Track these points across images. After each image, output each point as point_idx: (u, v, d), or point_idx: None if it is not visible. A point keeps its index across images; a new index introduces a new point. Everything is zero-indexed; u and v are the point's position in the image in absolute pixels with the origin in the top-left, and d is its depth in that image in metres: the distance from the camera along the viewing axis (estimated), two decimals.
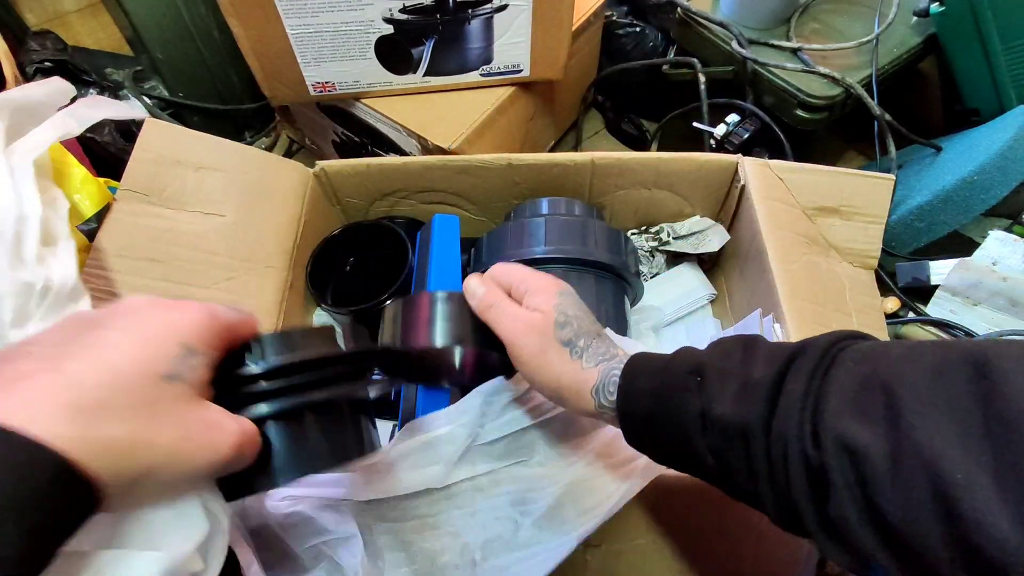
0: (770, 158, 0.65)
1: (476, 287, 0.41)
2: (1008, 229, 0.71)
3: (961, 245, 0.72)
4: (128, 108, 0.53)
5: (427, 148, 0.74)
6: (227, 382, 0.29)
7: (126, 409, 0.24)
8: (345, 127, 0.84)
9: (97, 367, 0.24)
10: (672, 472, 0.45)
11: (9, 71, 0.67)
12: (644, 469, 0.42)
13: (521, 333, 0.38)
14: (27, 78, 0.74)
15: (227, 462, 0.27)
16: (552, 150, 0.98)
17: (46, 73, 0.76)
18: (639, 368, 0.36)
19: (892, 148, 0.74)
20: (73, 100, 0.76)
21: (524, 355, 0.38)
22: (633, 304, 0.67)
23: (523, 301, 0.40)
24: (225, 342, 0.29)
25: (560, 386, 0.37)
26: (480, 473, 0.43)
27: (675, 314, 0.72)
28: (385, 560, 0.42)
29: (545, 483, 0.42)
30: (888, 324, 0.66)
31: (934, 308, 0.68)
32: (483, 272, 0.43)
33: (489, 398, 0.43)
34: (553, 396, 0.39)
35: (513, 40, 0.73)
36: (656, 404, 0.34)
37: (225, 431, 0.27)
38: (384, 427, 0.56)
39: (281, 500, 0.41)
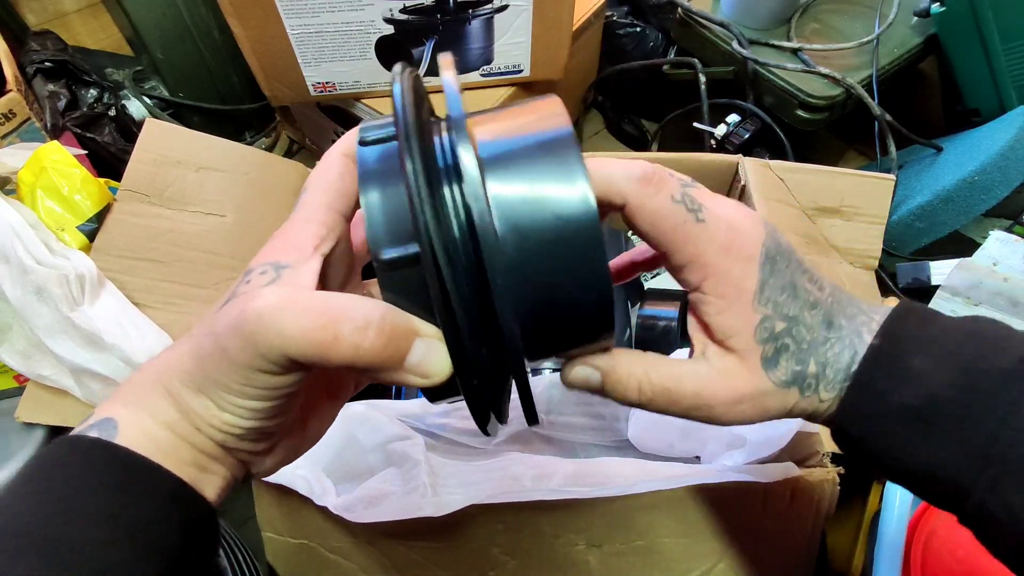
0: (771, 158, 0.65)
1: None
2: (1009, 229, 0.71)
3: (962, 245, 0.72)
4: None
5: None
6: None
7: None
8: (345, 127, 0.84)
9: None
10: (675, 474, 0.44)
11: (9, 71, 0.67)
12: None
13: (709, 395, 0.25)
14: (27, 78, 0.74)
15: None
16: None
17: (46, 73, 0.76)
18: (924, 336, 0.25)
19: (892, 148, 0.74)
20: (73, 100, 0.77)
21: (716, 414, 0.25)
22: (634, 305, 0.67)
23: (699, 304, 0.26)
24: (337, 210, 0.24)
25: (774, 419, 0.27)
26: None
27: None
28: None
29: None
30: None
31: (935, 308, 0.68)
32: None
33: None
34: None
35: (513, 40, 0.73)
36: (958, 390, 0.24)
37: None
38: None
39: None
